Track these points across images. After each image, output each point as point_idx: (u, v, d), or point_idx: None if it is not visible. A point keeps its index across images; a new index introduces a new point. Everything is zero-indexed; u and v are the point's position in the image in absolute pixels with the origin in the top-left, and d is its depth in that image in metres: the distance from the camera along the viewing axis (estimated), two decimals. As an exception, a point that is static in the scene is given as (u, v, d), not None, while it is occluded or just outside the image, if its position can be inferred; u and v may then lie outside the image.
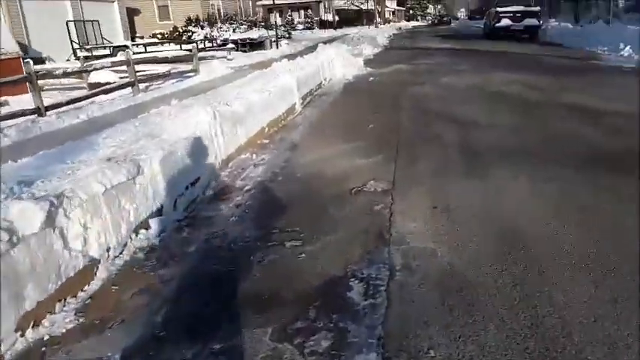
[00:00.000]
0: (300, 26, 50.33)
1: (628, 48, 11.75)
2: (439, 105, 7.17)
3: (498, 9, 19.54)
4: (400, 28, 47.36)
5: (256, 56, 17.63)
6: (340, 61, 12.40)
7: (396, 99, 7.93)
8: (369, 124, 6.26)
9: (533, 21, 18.76)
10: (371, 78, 10.82)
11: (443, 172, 4.20)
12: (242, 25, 23.87)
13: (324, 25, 48.67)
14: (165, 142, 3.96)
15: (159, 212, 3.46)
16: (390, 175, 4.22)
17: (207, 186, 4.14)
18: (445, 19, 67.47)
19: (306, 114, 7.43)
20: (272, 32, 24.62)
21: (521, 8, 19.06)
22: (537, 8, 19.24)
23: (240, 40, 20.51)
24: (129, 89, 9.94)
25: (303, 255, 2.88)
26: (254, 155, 5.23)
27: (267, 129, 6.22)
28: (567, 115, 6.07)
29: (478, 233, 3.02)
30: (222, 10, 27.87)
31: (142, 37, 23.44)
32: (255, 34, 21.36)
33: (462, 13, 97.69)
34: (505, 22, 19.13)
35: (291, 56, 14.68)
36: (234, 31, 22.07)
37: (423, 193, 3.77)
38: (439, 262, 2.72)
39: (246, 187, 4.18)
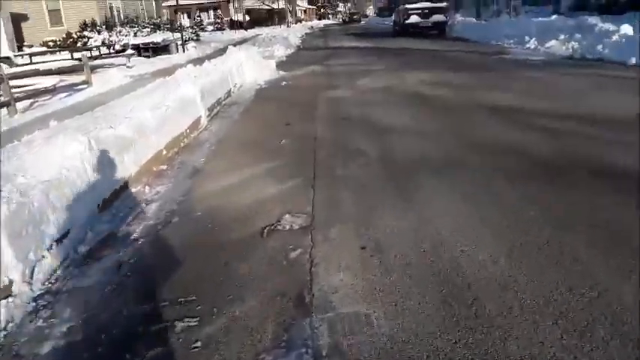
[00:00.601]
0: (210, 27, 48.68)
1: (533, 40, 12.03)
2: (357, 111, 6.66)
3: (407, 6, 19.70)
4: (312, 27, 47.28)
5: (160, 62, 16.39)
6: (251, 64, 11.64)
7: (311, 106, 7.35)
8: (282, 138, 5.61)
9: (440, 17, 19.08)
10: (284, 82, 10.19)
11: (368, 198, 3.63)
12: (145, 28, 22.29)
13: (234, 25, 47.37)
14: (20, 186, 3.06)
15: (7, 291, 2.58)
16: (308, 206, 3.59)
17: (82, 240, 3.27)
18: (355, 16, 68.48)
19: (212, 129, 6.63)
20: (178, 35, 23.32)
21: (428, 5, 19.32)
22: (444, 4, 19.61)
23: (143, 44, 19.08)
24: (4, 110, 8.57)
25: (199, 344, 2.16)
26: (147, 188, 4.39)
27: (165, 151, 5.36)
28: (490, 116, 5.77)
29: (418, 283, 2.46)
30: (122, 13, 25.95)
31: (30, 46, 21.17)
32: (159, 37, 19.98)
33: (371, 11, 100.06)
34: (414, 18, 19.31)
35: (198, 61, 13.73)
36: (135, 35, 20.53)
37: (348, 228, 3.17)
38: (376, 335, 2.12)
39: (133, 236, 3.36)
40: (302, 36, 29.28)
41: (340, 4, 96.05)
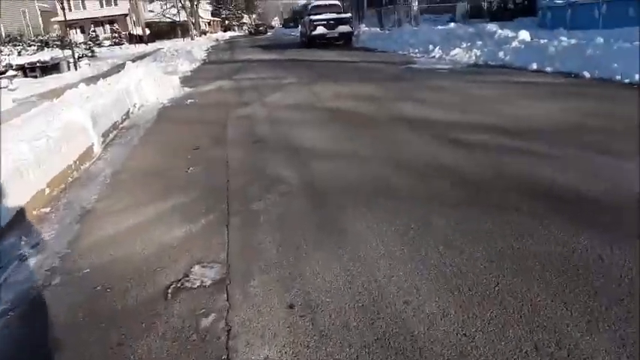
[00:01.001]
0: (107, 42, 46.02)
1: (437, 49, 12.28)
2: (272, 131, 6.19)
3: (313, 17, 19.63)
4: (217, 40, 46.27)
5: (49, 82, 14.87)
6: (152, 82, 10.78)
7: (220, 126, 6.76)
8: (190, 165, 5.00)
9: (346, 28, 19.21)
10: (189, 100, 9.48)
11: (292, 237, 3.16)
12: (30, 46, 20.29)
13: (134, 39, 45.14)
14: None
15: None
16: (222, 252, 3.05)
17: None
18: (261, 28, 68.29)
19: (108, 158, 5.84)
20: (70, 52, 21.52)
21: (334, 16, 19.40)
22: (349, 15, 19.80)
23: (28, 64, 17.29)
24: None
25: None
26: (22, 239, 3.59)
27: (48, 190, 4.54)
28: (410, 130, 5.53)
29: (360, 351, 2.02)
30: (1, 31, 23.51)
31: None
32: (47, 55, 18.23)
33: (276, 22, 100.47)
34: (320, 30, 19.28)
35: (92, 79, 12.61)
36: (19, 54, 18.58)
37: (271, 279, 2.66)
38: None
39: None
40: (207, 49, 28.39)
41: (245, 16, 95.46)
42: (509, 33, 10.36)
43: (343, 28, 19.17)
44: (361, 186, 3.90)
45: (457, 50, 11.26)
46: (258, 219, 3.49)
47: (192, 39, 44.30)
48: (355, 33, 20.05)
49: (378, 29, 21.46)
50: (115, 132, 7.31)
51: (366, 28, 21.11)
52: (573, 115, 5.62)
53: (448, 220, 3.13)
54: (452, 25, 16.45)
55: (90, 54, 27.01)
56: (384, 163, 4.44)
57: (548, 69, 8.23)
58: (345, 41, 19.66)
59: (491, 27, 11.24)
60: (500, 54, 9.71)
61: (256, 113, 7.42)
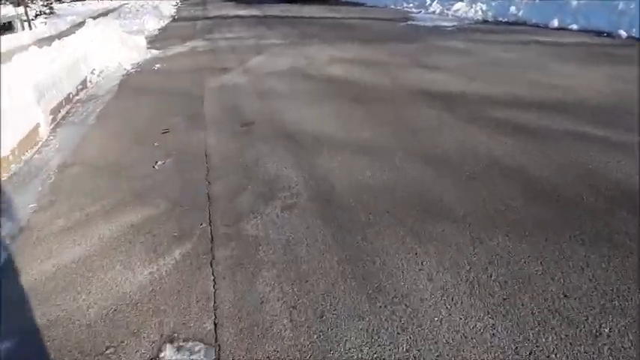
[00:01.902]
0: (69, -2, 42.77)
1: (435, 3, 11.05)
2: (261, 108, 5.05)
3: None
4: (188, -6, 43.45)
5: (-2, 44, 13.13)
6: (114, 43, 9.37)
7: (196, 100, 5.59)
8: (158, 157, 3.89)
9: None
10: (157, 65, 8.17)
11: (308, 292, 2.14)
12: (-23, 1, 18.13)
13: (98, -6, 42.01)
14: None
15: None
16: (207, 315, 2.03)
17: None
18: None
19: (56, 143, 4.65)
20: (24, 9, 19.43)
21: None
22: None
23: (-26, 22, 15.38)
24: None
25: None
26: None
27: (-32, 198, 3.41)
28: (432, 107, 4.46)
29: None
30: (-56, -17, 21.00)
31: None
32: (-5, 12, 16.28)
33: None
34: (302, -18, 17.65)
35: (47, 40, 11.12)
36: (-36, 10, 16.54)
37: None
38: None
39: None
40: (176, 4, 26.31)
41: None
42: (519, -16, 9.21)
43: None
44: (393, 197, 2.86)
45: (459, 4, 10.07)
46: (256, 252, 2.45)
47: (160, -7, 41.46)
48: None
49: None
50: (68, 107, 6.07)
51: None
52: (624, 84, 4.63)
53: (548, 272, 2.14)
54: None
55: (48, 11, 24.74)
56: (416, 158, 3.38)
57: (574, 26, 7.18)
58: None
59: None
60: (512, 9, 8.59)
61: (238, 83, 6.23)
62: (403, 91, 5.09)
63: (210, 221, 2.78)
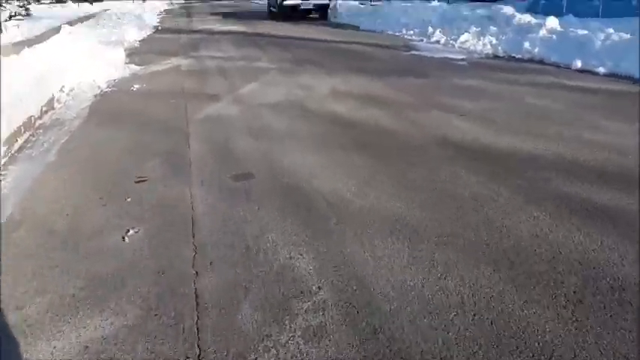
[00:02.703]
0: (48, 0, 41.40)
1: (438, 32, 10.43)
2: (256, 152, 4.22)
3: (284, -16, 17.29)
4: (172, 3, 42.59)
5: (-40, 47, 12.00)
6: (89, 56, 8.46)
7: (179, 135, 4.74)
8: (128, 221, 3.02)
9: (323, -1, 17.05)
10: (136, 85, 7.27)
11: None
12: (-56, -1, 16.90)
13: (79, -2, 40.77)
14: None
15: None
16: None
17: None
18: (220, -7, 64.08)
19: (5, 189, 3.72)
20: (-3, 9, 18.25)
21: (309, -15, 17.15)
22: (326, -15, 17.58)
23: (-62, 22, 14.19)
24: None
25: None
26: None
27: None
28: (483, 175, 3.63)
29: None
30: None
31: None
32: (-38, 12, 15.12)
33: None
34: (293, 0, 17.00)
35: (17, 46, 10.14)
36: None
37: None
38: None
39: None
40: (160, 12, 25.45)
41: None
42: (531, 19, 8.65)
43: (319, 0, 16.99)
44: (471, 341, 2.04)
45: (466, 36, 9.46)
46: None
47: (143, 0, 40.42)
48: (331, 6, 17.89)
49: (356, 2, 19.30)
50: (27, 134, 5.14)
51: (342, 1, 18.96)
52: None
53: None
54: (434, 3, 14.62)
55: (24, 12, 23.50)
56: (479, 256, 2.53)
57: (600, 69, 6.57)
58: (321, 15, 17.52)
59: (507, 9, 9.50)
60: (526, 44, 7.98)
61: (229, 115, 5.39)
62: (427, 140, 4.32)
63: (200, 353, 1.92)
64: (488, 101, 5.54)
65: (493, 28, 9.15)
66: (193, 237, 2.83)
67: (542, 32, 7.96)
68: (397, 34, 12.11)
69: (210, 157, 4.14)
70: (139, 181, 3.70)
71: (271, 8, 20.04)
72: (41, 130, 5.30)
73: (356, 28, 14.36)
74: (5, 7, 21.71)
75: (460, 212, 2.98)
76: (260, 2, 29.99)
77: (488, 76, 6.82)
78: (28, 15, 23.48)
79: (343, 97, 5.90)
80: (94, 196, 3.46)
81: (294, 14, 17.47)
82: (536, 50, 7.74)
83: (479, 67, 7.62)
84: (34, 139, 5.03)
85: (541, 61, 7.61)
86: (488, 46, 8.68)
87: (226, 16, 22.04)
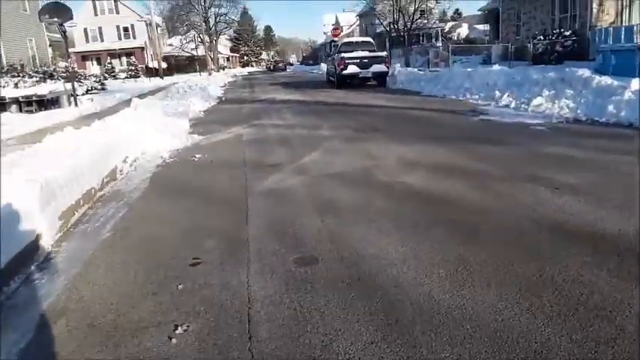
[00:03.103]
0: (123, 75, 44.84)
1: (506, 96, 9.94)
2: (320, 231, 3.78)
3: (344, 55, 17.58)
4: (235, 75, 44.97)
5: (38, 120, 12.76)
6: (154, 128, 8.58)
7: (237, 212, 4.40)
8: (177, 316, 2.61)
9: (381, 67, 17.13)
10: (198, 155, 7.18)
11: None
12: (31, 77, 18.45)
13: (150, 73, 43.87)
14: None
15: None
16: None
17: None
18: (280, 65, 67.38)
19: (54, 269, 3.48)
20: (75, 85, 19.73)
21: (367, 54, 17.38)
22: (384, 53, 17.79)
23: (23, 97, 15.33)
24: None
25: None
26: None
27: None
28: (623, 295, 3.04)
29: None
30: (3, 59, 21.79)
31: None
32: (45, 88, 16.31)
33: (294, 59, 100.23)
34: (352, 69, 17.20)
35: (91, 117, 10.64)
36: (16, 85, 16.70)
37: None
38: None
39: None
40: (224, 85, 26.61)
41: (264, 52, 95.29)
42: (613, 81, 8.01)
43: (378, 67, 17.06)
44: None
45: (539, 99, 8.89)
46: None
47: (209, 74, 42.87)
48: (390, 73, 17.94)
49: (415, 69, 19.32)
50: (85, 207, 5.01)
51: (402, 68, 19.01)
52: None
53: None
54: (495, 67, 14.21)
55: (100, 86, 25.30)
56: None
57: None
58: (380, 82, 17.58)
59: (583, 71, 8.93)
60: (610, 107, 7.31)
61: (291, 187, 5.05)
62: (522, 220, 3.71)
63: None
64: (581, 171, 4.87)
65: (569, 91, 8.54)
66: (249, 340, 2.37)
67: (628, 94, 7.28)
68: (461, 98, 11.72)
69: (269, 237, 3.74)
70: (193, 264, 3.34)
71: (330, 77, 20.42)
72: (99, 203, 5.16)
73: (417, 93, 14.15)
74: (83, 83, 23.50)
75: (594, 324, 2.34)
76: (315, 72, 30.85)
77: (573, 143, 6.14)
78: (103, 89, 25.31)
79: (414, 167, 5.42)
80: (144, 280, 3.12)
81: (353, 82, 17.63)
82: (623, 113, 7.05)
83: (561, 133, 6.96)
84: (91, 211, 4.88)
85: (630, 125, 6.87)
86: (566, 110, 8.05)
87: (285, 85, 22.67)
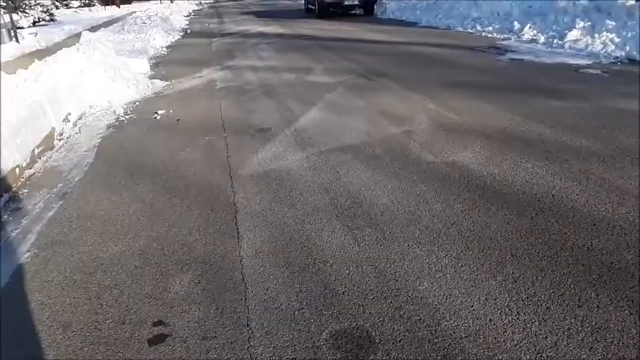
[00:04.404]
0: (77, 4, 40.66)
1: (528, 28, 8.41)
2: (345, 251, 2.43)
3: (326, -20, 15.46)
4: (201, 3, 41.33)
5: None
6: (103, 72, 6.84)
7: (219, 209, 3.00)
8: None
9: (368, -6, 15.15)
10: (160, 112, 5.60)
11: None
12: (-39, 7, 15.72)
13: (106, 0, 39.87)
14: None
15: None
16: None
17: None
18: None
19: None
20: (18, 16, 17.19)
21: (353, -21, 15.28)
22: (373, -22, 15.68)
23: (-50, 32, 12.96)
24: None
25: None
26: None
27: None
28: None
29: None
30: None
31: None
32: (-24, 21, 13.87)
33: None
34: (335, -5, 15.17)
35: (32, 56, 8.87)
36: (-58, 17, 14.13)
37: None
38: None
39: None
40: (189, 15, 23.98)
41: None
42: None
43: (364, -6, 15.13)
44: None
45: (575, 32, 7.42)
46: None
47: (171, 1, 39.20)
48: (378, 0, 15.97)
49: (402, -5, 17.29)
50: (6, 196, 3.54)
51: (390, -6, 16.98)
52: None
53: None
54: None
55: (48, 18, 22.41)
56: None
57: None
58: (367, 11, 15.63)
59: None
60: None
61: (294, 172, 3.59)
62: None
63: None
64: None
65: (610, 22, 7.10)
66: None
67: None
68: (470, 30, 10.10)
69: (273, 262, 2.36)
70: (153, 338, 1.97)
71: (309, 5, 18.26)
72: (26, 190, 3.66)
73: (414, 24, 12.38)
74: (28, 14, 20.68)
75: None
76: (290, 1, 28.26)
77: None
78: (52, 20, 22.41)
79: (462, 136, 3.97)
80: (97, 314, 1.75)
81: (337, 11, 15.67)
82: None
83: (624, 78, 5.56)
84: (14, 203, 3.41)
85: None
86: (611, 45, 6.64)
87: (259, 15, 20.36)
